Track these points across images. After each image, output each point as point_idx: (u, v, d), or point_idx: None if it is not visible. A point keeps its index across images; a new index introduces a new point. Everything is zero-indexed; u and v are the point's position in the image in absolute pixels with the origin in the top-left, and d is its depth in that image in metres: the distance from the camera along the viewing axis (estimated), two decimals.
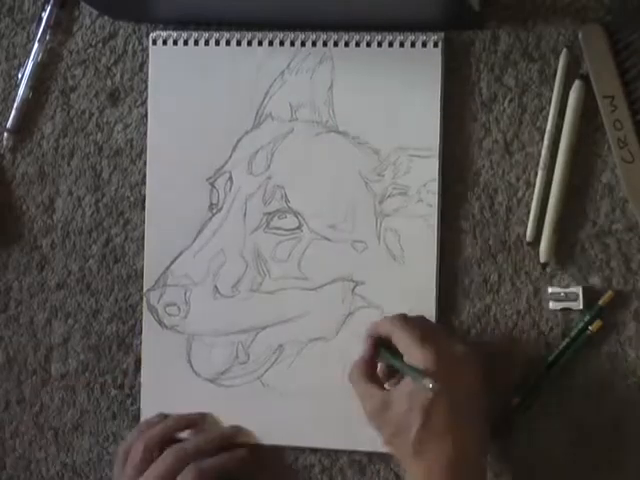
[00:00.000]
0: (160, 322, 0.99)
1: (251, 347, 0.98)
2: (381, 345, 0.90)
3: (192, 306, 0.99)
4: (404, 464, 0.88)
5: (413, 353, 0.86)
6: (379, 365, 0.92)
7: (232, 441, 0.98)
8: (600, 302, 0.92)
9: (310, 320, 0.96)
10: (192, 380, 0.99)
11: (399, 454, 0.88)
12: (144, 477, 0.94)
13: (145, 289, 1.00)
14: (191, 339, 0.99)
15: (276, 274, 0.97)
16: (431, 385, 0.82)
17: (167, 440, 0.97)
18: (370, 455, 0.96)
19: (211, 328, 0.98)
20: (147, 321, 1.00)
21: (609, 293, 0.92)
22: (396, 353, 0.88)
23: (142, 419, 1.00)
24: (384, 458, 0.96)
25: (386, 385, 0.90)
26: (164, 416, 0.99)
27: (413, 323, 0.89)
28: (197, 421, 0.99)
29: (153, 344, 1.00)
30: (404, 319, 0.90)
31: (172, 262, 0.99)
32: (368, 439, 0.95)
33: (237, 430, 0.98)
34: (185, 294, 0.99)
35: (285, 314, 0.97)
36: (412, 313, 0.93)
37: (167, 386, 1.00)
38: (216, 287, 0.98)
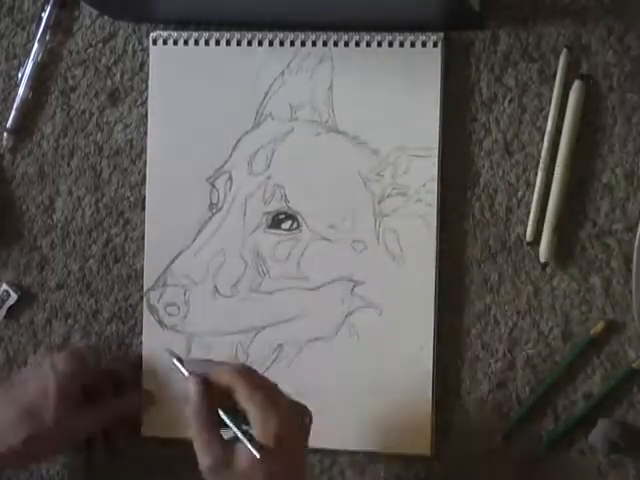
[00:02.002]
0: (160, 322, 0.99)
1: (250, 347, 0.98)
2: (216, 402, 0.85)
3: (192, 306, 0.99)
4: None
5: (260, 422, 0.82)
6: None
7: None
8: (591, 332, 0.92)
9: (309, 320, 0.96)
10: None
11: None
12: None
13: (145, 289, 1.00)
14: (191, 339, 0.99)
15: (276, 274, 0.97)
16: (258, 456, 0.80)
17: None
18: (370, 455, 0.96)
19: (211, 328, 0.98)
20: (147, 321, 1.00)
21: (601, 323, 0.92)
22: (234, 409, 0.84)
23: (143, 420, 1.01)
24: (384, 458, 0.96)
25: (223, 433, 0.84)
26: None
27: (258, 375, 0.86)
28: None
29: (153, 344, 1.00)
30: (246, 373, 0.86)
31: (172, 262, 0.99)
32: (368, 439, 0.95)
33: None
34: (185, 294, 0.99)
35: (284, 314, 0.97)
36: (412, 313, 0.94)
37: (167, 386, 1.00)
38: (216, 287, 0.98)
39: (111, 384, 1.00)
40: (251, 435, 0.82)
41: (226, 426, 0.84)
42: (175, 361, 0.88)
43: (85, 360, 0.98)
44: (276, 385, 0.87)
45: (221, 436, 0.84)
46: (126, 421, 1.00)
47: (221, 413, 0.84)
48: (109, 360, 1.01)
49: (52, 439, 0.94)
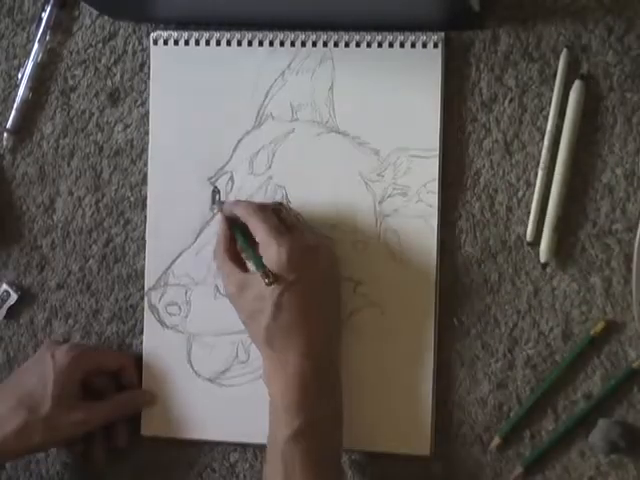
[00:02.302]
0: (161, 322, 0.99)
1: (252, 347, 0.96)
2: (236, 227, 0.93)
3: (193, 306, 0.99)
4: (258, 348, 0.91)
5: (267, 245, 0.89)
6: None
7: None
8: (591, 332, 0.92)
9: None
10: (192, 379, 0.99)
11: (252, 338, 0.92)
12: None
13: (146, 289, 1.00)
14: (191, 339, 0.99)
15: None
16: (267, 282, 0.86)
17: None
18: (370, 455, 0.96)
19: (211, 328, 0.98)
20: (148, 321, 1.00)
21: (601, 323, 0.92)
22: (250, 238, 0.91)
23: (142, 419, 1.00)
24: (384, 458, 0.96)
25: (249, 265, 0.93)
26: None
27: (269, 212, 0.91)
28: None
29: (154, 344, 1.00)
30: (261, 209, 0.92)
31: (173, 262, 0.99)
32: (368, 439, 0.95)
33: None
34: (186, 294, 0.99)
35: None
36: (413, 313, 0.94)
37: (167, 386, 1.00)
38: (217, 287, 0.98)
39: (111, 382, 1.00)
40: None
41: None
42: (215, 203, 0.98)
43: (86, 355, 0.98)
44: (292, 220, 0.93)
45: (242, 268, 0.92)
46: (126, 419, 1.00)
47: (239, 237, 0.93)
48: (109, 358, 1.01)
49: (47, 430, 0.94)
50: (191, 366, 0.99)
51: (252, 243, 0.91)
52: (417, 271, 0.94)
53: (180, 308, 0.99)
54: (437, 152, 0.94)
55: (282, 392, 0.88)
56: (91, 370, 0.98)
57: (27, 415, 0.93)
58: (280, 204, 0.95)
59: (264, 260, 0.88)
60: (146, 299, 1.00)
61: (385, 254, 0.95)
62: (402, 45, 0.95)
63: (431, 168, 0.94)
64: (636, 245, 0.91)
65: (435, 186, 0.94)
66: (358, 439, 0.95)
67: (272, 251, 0.88)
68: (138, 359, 1.00)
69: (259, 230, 0.90)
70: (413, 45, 0.94)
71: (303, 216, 0.96)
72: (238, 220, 0.93)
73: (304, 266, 0.88)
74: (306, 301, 0.88)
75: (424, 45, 0.94)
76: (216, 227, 0.96)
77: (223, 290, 0.95)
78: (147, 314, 1.00)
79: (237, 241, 0.94)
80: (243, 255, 0.94)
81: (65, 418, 0.95)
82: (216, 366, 0.98)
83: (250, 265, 0.92)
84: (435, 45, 0.94)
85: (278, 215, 0.93)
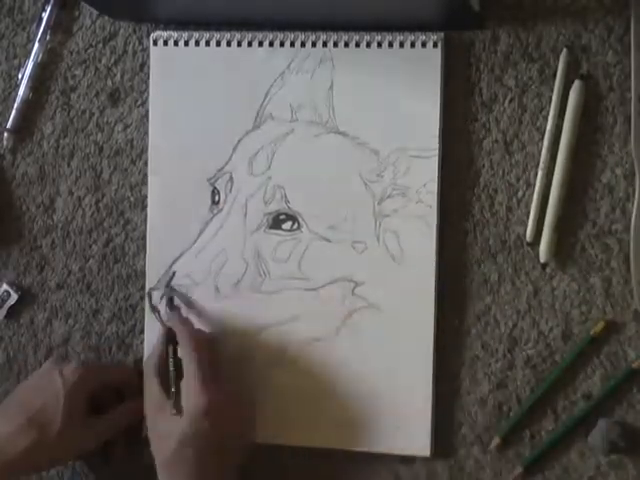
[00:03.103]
0: (162, 322, 0.99)
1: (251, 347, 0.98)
2: (171, 347, 0.95)
3: (193, 306, 0.99)
4: (158, 468, 0.91)
5: (191, 386, 0.90)
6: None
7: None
8: (591, 332, 0.92)
9: (310, 320, 0.96)
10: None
11: (155, 456, 0.92)
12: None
13: (147, 289, 1.00)
14: None
15: (276, 274, 0.97)
16: (173, 411, 0.90)
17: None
18: (370, 455, 0.96)
19: (212, 328, 0.98)
20: (149, 321, 1.00)
21: (601, 323, 0.92)
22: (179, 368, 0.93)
23: (144, 420, 1.00)
24: (384, 458, 0.96)
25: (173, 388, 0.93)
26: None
27: (204, 353, 0.92)
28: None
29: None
30: (200, 352, 0.92)
31: (174, 262, 0.99)
32: (368, 439, 0.95)
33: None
34: (186, 294, 0.99)
35: (285, 314, 0.97)
36: (412, 313, 0.94)
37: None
38: (217, 287, 0.98)
39: (114, 395, 1.00)
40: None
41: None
42: (154, 311, 0.99)
43: (93, 372, 0.98)
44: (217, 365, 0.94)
45: (167, 388, 0.93)
46: (126, 431, 1.00)
47: (170, 363, 0.94)
48: (114, 374, 1.01)
49: (56, 449, 0.95)
50: None
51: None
52: (416, 271, 0.94)
53: (181, 309, 0.99)
54: (437, 152, 0.94)
55: None
56: (98, 386, 0.98)
57: (38, 434, 0.93)
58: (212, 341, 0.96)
59: (182, 395, 0.90)
60: (147, 299, 1.00)
61: (384, 254, 0.95)
62: (402, 45, 0.95)
63: (431, 168, 0.94)
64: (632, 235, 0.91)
65: (435, 186, 0.94)
66: (358, 439, 0.96)
67: (193, 394, 0.89)
68: (140, 372, 1.00)
69: (189, 368, 0.91)
70: (413, 45, 0.94)
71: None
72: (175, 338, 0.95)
73: (217, 420, 0.89)
74: (209, 452, 0.89)
75: (424, 45, 0.94)
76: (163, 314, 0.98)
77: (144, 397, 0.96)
78: (148, 314, 1.00)
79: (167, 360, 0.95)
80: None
81: (75, 436, 0.95)
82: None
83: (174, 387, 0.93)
84: (435, 45, 0.94)
85: (214, 355, 0.94)
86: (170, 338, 0.95)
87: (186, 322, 0.96)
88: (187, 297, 0.99)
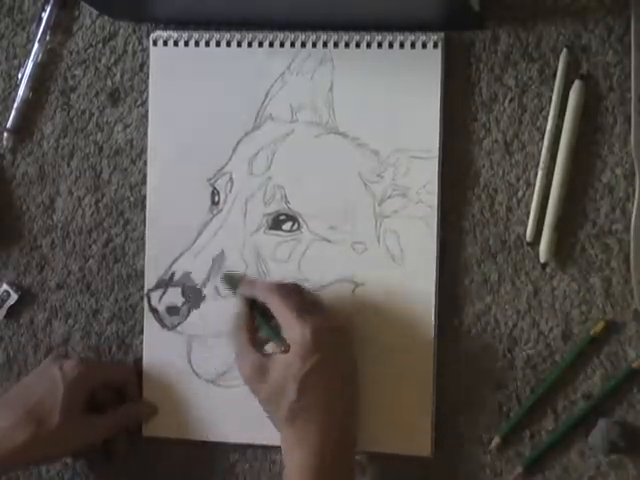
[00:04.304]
0: (161, 323, 0.99)
1: None
2: (257, 308, 0.93)
3: (193, 307, 0.99)
4: (277, 428, 0.90)
5: (290, 325, 0.89)
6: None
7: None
8: (591, 332, 0.93)
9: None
10: (192, 381, 0.99)
11: (272, 418, 0.91)
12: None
13: (146, 290, 1.00)
14: (191, 340, 0.99)
15: (276, 275, 0.97)
16: (282, 350, 0.89)
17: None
18: (370, 455, 0.96)
19: (212, 329, 0.98)
20: (148, 321, 1.00)
21: (601, 323, 0.92)
22: (271, 318, 0.91)
23: (142, 421, 1.01)
24: (384, 458, 0.96)
25: (267, 347, 0.92)
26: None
27: (290, 293, 0.91)
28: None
29: (154, 345, 1.00)
30: (281, 288, 0.92)
31: (173, 263, 0.99)
32: (368, 439, 0.95)
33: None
34: (186, 295, 0.99)
35: None
36: (412, 313, 0.94)
37: (167, 386, 1.00)
38: (216, 288, 0.98)
39: (114, 395, 1.00)
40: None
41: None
42: (225, 283, 0.97)
43: (93, 369, 0.98)
44: (312, 300, 0.94)
45: (259, 351, 0.91)
46: (126, 430, 1.00)
47: (259, 319, 0.93)
48: (114, 373, 1.01)
49: (54, 444, 0.95)
50: (191, 367, 0.99)
51: (272, 324, 0.92)
52: (417, 272, 0.94)
53: (180, 309, 0.99)
54: (437, 153, 0.94)
55: (301, 467, 0.87)
56: (97, 384, 0.98)
57: (36, 427, 0.93)
58: (298, 285, 0.95)
59: (288, 340, 0.89)
60: (146, 300, 1.00)
61: (384, 255, 0.95)
62: (402, 45, 0.95)
63: (431, 169, 0.94)
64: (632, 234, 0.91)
65: (435, 187, 0.94)
66: (358, 439, 0.95)
67: (296, 331, 0.88)
68: (140, 372, 1.00)
69: (281, 310, 0.90)
70: (413, 45, 0.94)
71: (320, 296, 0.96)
72: (256, 301, 0.93)
73: (327, 347, 0.88)
74: (329, 382, 0.88)
75: (424, 45, 0.94)
76: (234, 308, 0.95)
77: (239, 372, 0.93)
78: (147, 315, 1.00)
79: (256, 322, 0.93)
80: (261, 335, 0.93)
81: (73, 431, 0.95)
82: (216, 367, 0.99)
83: (268, 348, 0.93)
84: (435, 45, 0.94)
85: (299, 294, 0.93)
86: (250, 300, 0.94)
87: (256, 281, 0.96)
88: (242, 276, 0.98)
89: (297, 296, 0.92)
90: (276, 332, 0.91)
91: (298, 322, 0.88)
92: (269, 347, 0.92)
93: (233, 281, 0.96)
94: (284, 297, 0.90)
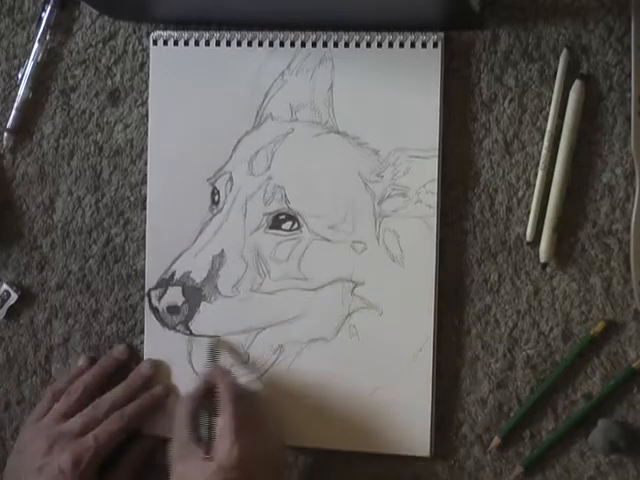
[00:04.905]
0: (161, 322, 0.99)
1: (251, 347, 0.98)
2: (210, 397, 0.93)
3: (193, 306, 0.99)
4: None
5: (224, 436, 0.88)
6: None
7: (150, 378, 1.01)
8: (591, 332, 0.93)
9: (310, 321, 0.96)
10: (193, 380, 0.98)
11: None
12: (70, 422, 0.97)
13: (146, 289, 1.00)
14: (192, 339, 0.99)
15: (276, 274, 0.97)
16: (203, 456, 0.88)
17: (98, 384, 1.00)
18: (370, 455, 0.96)
19: (212, 328, 0.98)
20: (148, 321, 1.00)
21: (601, 323, 0.92)
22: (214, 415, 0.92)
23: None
24: (384, 458, 0.96)
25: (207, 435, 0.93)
26: (90, 360, 1.02)
27: (243, 406, 0.91)
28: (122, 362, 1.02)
29: (155, 344, 1.00)
30: (237, 406, 0.91)
31: (173, 262, 0.99)
32: (368, 439, 0.95)
33: (153, 364, 1.01)
34: (186, 294, 0.99)
35: (285, 314, 0.97)
36: (412, 313, 0.94)
37: (168, 386, 1.00)
38: (216, 287, 0.98)
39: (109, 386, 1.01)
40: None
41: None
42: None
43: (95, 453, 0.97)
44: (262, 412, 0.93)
45: (196, 434, 0.92)
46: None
47: (205, 413, 0.93)
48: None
49: None
50: (192, 367, 0.99)
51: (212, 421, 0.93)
52: (417, 272, 0.94)
53: (180, 309, 0.99)
54: (437, 152, 0.94)
55: None
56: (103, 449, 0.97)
57: None
58: (255, 395, 0.96)
59: (215, 443, 0.89)
60: (146, 300, 1.00)
61: (384, 255, 0.95)
62: (402, 45, 0.95)
63: (431, 168, 0.94)
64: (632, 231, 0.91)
65: (434, 186, 0.94)
66: (358, 439, 0.96)
67: (225, 444, 0.88)
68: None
69: (225, 418, 0.90)
70: (413, 45, 0.94)
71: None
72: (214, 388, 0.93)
73: (247, 473, 0.88)
74: None
75: (424, 45, 0.94)
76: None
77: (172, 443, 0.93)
78: (147, 315, 1.00)
79: (199, 413, 0.94)
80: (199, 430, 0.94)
81: None
82: None
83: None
84: (435, 45, 0.94)
85: (252, 407, 0.93)
86: (208, 388, 0.94)
87: (226, 373, 0.95)
88: (234, 347, 0.98)
89: (247, 408, 0.92)
90: (207, 434, 0.92)
91: (232, 436, 0.88)
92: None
93: (215, 351, 0.97)
94: (233, 414, 0.89)
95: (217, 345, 0.97)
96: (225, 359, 0.98)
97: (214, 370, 0.96)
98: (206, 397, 0.94)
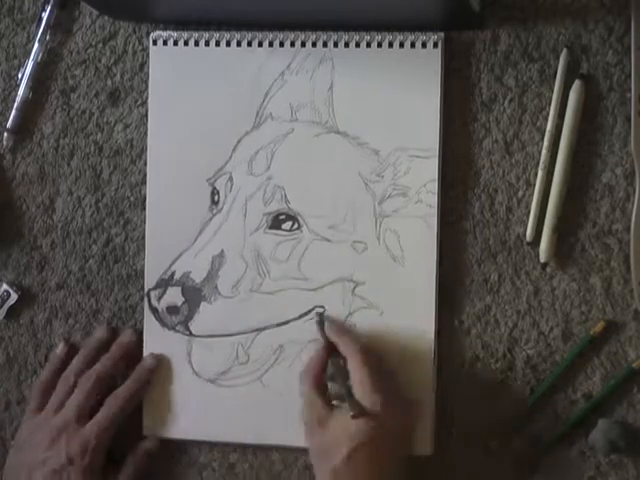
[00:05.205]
0: (161, 322, 0.99)
1: (251, 347, 0.98)
2: (334, 356, 0.93)
3: (193, 306, 0.99)
4: (317, 477, 0.90)
5: (364, 387, 0.88)
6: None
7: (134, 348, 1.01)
8: (591, 332, 0.93)
9: (310, 321, 0.96)
10: (192, 380, 0.99)
11: (317, 472, 0.90)
12: (66, 407, 0.97)
13: (146, 289, 1.00)
14: (191, 339, 0.99)
15: (276, 275, 0.97)
16: (352, 414, 0.87)
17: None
18: None
19: (211, 328, 0.98)
20: (148, 321, 1.00)
21: (601, 323, 0.93)
22: (345, 376, 0.91)
23: (144, 420, 1.00)
24: None
25: (334, 401, 0.92)
26: (69, 345, 1.02)
27: (372, 356, 0.91)
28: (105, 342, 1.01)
29: (154, 344, 1.00)
30: (364, 349, 0.91)
31: (173, 262, 0.99)
32: None
33: (133, 335, 1.01)
34: (186, 294, 0.99)
35: (285, 315, 0.97)
36: (412, 313, 0.94)
37: (168, 386, 1.00)
38: (216, 287, 0.98)
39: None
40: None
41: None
42: (317, 324, 0.95)
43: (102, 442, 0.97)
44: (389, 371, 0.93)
45: (327, 400, 0.91)
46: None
47: (333, 365, 0.93)
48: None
49: None
50: (191, 367, 0.99)
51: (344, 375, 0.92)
52: (417, 271, 0.94)
53: (180, 309, 0.99)
54: (437, 152, 0.94)
55: None
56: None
57: None
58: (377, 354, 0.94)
59: (353, 401, 0.88)
60: (146, 300, 1.00)
61: (384, 254, 0.95)
62: (402, 45, 0.95)
63: (431, 168, 0.94)
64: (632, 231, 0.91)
65: (435, 186, 0.94)
66: None
67: (367, 395, 0.88)
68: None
69: (359, 371, 0.89)
70: (413, 45, 0.94)
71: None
72: (336, 349, 0.93)
73: (392, 421, 0.88)
74: (382, 460, 0.88)
75: (424, 45, 0.94)
76: (312, 348, 0.96)
77: (302, 417, 0.93)
78: (147, 315, 1.00)
79: (328, 371, 0.94)
80: (333, 389, 0.93)
81: None
82: (216, 367, 0.98)
83: (334, 401, 0.92)
84: (435, 45, 0.94)
85: (378, 362, 0.92)
86: (331, 350, 0.94)
87: (347, 332, 0.95)
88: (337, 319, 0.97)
89: (376, 363, 0.91)
90: (348, 392, 0.89)
91: (372, 386, 0.88)
92: (334, 400, 0.92)
93: (322, 319, 0.96)
94: (366, 359, 0.90)
95: (322, 318, 0.96)
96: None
97: (333, 328, 0.95)
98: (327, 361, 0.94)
